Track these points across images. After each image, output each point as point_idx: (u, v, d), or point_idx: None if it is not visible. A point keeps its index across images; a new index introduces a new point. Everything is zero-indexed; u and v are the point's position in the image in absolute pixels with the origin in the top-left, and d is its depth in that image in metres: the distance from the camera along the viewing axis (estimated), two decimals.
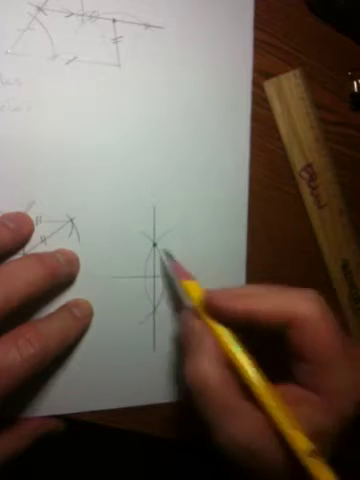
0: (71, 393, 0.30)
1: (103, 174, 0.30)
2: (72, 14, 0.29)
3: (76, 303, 0.29)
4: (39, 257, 0.27)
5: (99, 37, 0.29)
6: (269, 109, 0.34)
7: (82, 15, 0.29)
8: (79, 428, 0.32)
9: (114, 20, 0.30)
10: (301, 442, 0.22)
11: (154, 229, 0.31)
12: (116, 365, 0.31)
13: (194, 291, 0.27)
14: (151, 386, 0.32)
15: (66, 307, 0.29)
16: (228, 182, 0.33)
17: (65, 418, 0.30)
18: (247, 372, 0.24)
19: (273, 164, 0.35)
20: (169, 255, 0.30)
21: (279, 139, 0.34)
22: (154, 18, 0.30)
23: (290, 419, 0.22)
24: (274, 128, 0.34)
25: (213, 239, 0.33)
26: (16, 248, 0.28)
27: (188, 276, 0.28)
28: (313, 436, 0.22)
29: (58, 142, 0.29)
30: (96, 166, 0.30)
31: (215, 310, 0.25)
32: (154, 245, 0.31)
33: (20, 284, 0.25)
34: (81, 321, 0.29)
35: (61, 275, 0.28)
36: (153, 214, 0.31)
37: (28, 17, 0.28)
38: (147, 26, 0.30)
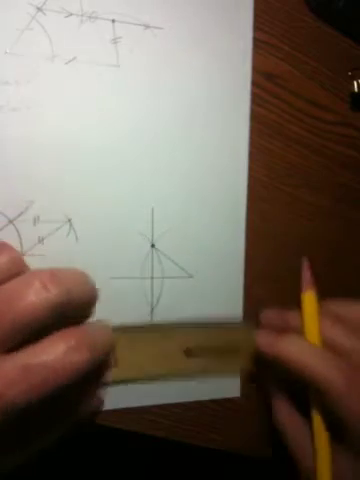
0: None
1: (102, 174, 0.30)
2: (71, 14, 0.29)
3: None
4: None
5: (98, 37, 0.29)
6: (269, 109, 0.34)
7: (81, 15, 0.29)
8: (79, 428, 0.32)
9: (113, 20, 0.30)
10: None
11: (152, 230, 0.31)
12: None
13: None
14: (148, 386, 0.32)
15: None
16: (227, 182, 0.33)
17: None
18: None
19: (273, 164, 0.35)
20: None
21: (279, 139, 0.34)
22: (153, 19, 0.30)
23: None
24: (274, 128, 0.34)
25: (212, 240, 0.32)
26: None
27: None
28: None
29: (57, 142, 0.29)
30: (95, 166, 0.30)
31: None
32: (152, 246, 0.31)
33: None
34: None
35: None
36: (151, 215, 0.31)
37: (27, 17, 0.28)
38: (146, 27, 0.30)
